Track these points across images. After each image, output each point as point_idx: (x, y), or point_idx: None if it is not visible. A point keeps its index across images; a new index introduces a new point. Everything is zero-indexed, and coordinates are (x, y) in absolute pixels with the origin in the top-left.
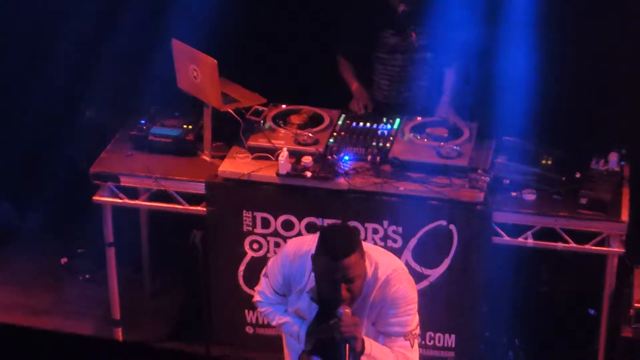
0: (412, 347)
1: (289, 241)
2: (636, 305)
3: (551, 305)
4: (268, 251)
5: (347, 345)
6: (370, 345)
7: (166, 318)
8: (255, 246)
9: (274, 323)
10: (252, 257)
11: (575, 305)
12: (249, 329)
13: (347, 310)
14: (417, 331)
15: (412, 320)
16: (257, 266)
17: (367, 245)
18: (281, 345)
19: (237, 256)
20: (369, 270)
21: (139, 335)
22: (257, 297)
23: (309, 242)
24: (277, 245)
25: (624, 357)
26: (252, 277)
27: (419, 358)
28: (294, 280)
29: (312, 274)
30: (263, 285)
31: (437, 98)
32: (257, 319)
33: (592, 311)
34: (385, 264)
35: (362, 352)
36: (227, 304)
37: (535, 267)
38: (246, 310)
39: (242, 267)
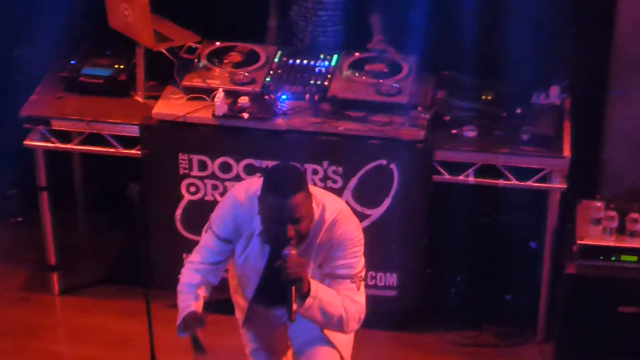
0: (358, 289)
1: (235, 185)
2: (579, 242)
3: (494, 241)
4: (205, 194)
5: (293, 287)
6: (317, 288)
7: (103, 261)
8: (192, 189)
9: (178, 286)
10: (190, 201)
11: (518, 240)
12: None
13: (293, 252)
14: (363, 274)
15: (359, 263)
16: (195, 209)
17: (313, 188)
18: (217, 288)
19: (174, 200)
20: (316, 212)
21: (76, 280)
22: (191, 256)
23: (256, 184)
24: (214, 188)
25: (568, 293)
26: (190, 221)
27: (365, 300)
28: (243, 224)
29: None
30: (204, 240)
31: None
32: None
33: (533, 245)
34: (332, 206)
35: (307, 293)
36: (165, 248)
37: (477, 205)
38: (184, 254)
39: (179, 211)
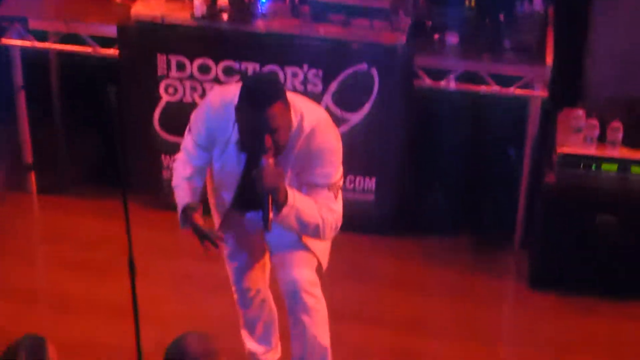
0: (335, 198)
1: (212, 90)
2: (559, 150)
3: (474, 146)
4: (184, 95)
5: (270, 196)
6: (294, 196)
7: (81, 162)
8: (171, 90)
9: (173, 181)
10: (168, 102)
11: (498, 147)
12: (166, 173)
13: (270, 161)
14: (341, 183)
15: (336, 172)
16: (173, 111)
17: (291, 96)
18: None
19: (152, 101)
20: (294, 121)
21: (54, 179)
22: (178, 155)
23: (233, 91)
24: (193, 89)
25: (546, 201)
26: (168, 122)
27: (341, 209)
28: (219, 131)
29: (236, 126)
30: (186, 140)
31: None
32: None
33: (511, 151)
34: (311, 115)
35: (284, 202)
36: (144, 150)
37: (458, 112)
38: (162, 155)
39: (157, 112)
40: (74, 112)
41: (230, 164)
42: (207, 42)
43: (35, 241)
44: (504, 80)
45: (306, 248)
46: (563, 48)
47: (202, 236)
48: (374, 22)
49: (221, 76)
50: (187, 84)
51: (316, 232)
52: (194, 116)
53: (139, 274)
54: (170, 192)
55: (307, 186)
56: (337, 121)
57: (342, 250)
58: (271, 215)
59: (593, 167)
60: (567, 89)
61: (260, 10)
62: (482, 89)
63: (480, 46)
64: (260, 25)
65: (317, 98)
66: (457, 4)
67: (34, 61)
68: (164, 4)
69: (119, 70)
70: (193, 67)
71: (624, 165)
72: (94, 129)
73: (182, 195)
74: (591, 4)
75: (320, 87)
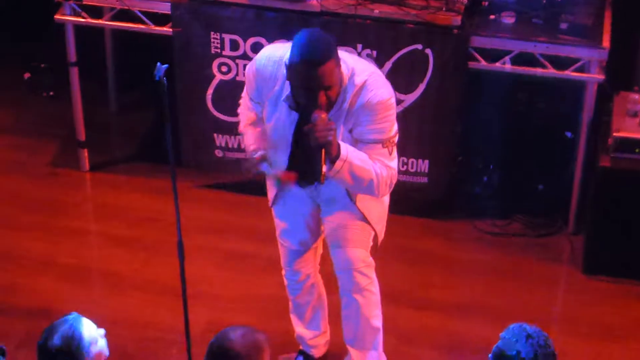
0: (390, 154)
1: (263, 48)
2: (615, 134)
3: (528, 129)
4: (237, 74)
5: (323, 149)
6: (347, 150)
7: (133, 140)
8: (224, 69)
9: (240, 127)
10: (221, 80)
11: (553, 130)
12: (219, 152)
13: (323, 115)
14: (396, 139)
15: (391, 127)
16: (226, 89)
17: (343, 53)
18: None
19: (205, 79)
20: (345, 77)
21: (106, 156)
22: (240, 100)
23: (283, 48)
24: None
25: (601, 185)
26: (221, 101)
27: (397, 165)
28: (266, 87)
29: (287, 82)
30: (244, 92)
31: None
32: (226, 142)
33: (569, 134)
34: (362, 70)
35: (337, 156)
36: (196, 128)
37: (513, 94)
38: (215, 134)
39: (210, 91)
40: (128, 89)
41: (282, 121)
42: (260, 21)
43: (87, 219)
44: (560, 63)
45: (362, 217)
46: (620, 30)
47: (273, 178)
48: (430, 2)
49: None
50: (240, 63)
51: (370, 188)
52: (246, 72)
53: (188, 253)
54: (222, 169)
55: (361, 143)
56: None
57: (394, 232)
58: (324, 168)
59: None
60: (624, 72)
61: None
62: (538, 71)
63: (536, 27)
64: (314, 4)
65: None
66: None
67: (88, 37)
68: None
69: (173, 47)
70: (246, 46)
71: None
72: (148, 107)
73: (248, 141)
74: None
75: None
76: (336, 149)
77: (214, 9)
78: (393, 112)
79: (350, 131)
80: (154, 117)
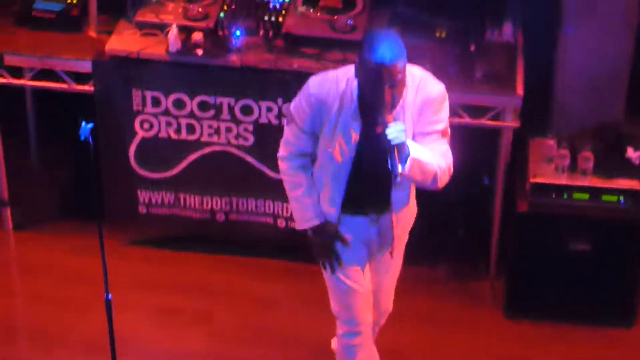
0: (447, 143)
1: (306, 83)
2: (531, 180)
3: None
4: (159, 131)
5: (396, 150)
6: (414, 148)
7: (57, 197)
8: (146, 126)
9: (290, 193)
10: (143, 137)
11: (470, 177)
12: (142, 209)
13: (391, 117)
14: (448, 127)
15: (447, 116)
16: (148, 146)
17: None
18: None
19: (127, 136)
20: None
21: (29, 215)
22: (281, 151)
23: (328, 73)
24: (168, 124)
25: (520, 230)
26: (144, 158)
27: (451, 152)
28: (325, 108)
29: (348, 97)
30: (287, 134)
31: None
32: (149, 199)
33: (486, 180)
34: (413, 68)
35: (408, 154)
36: (119, 185)
37: None
38: (138, 191)
39: (133, 148)
40: (50, 148)
41: (346, 135)
42: (182, 77)
43: (12, 277)
44: (476, 111)
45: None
46: (533, 77)
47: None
48: (348, 55)
49: (196, 111)
50: (163, 119)
51: (434, 181)
52: (296, 104)
53: (117, 308)
54: (146, 225)
55: (420, 135)
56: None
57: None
58: (399, 168)
59: (565, 196)
60: (539, 117)
61: (234, 45)
62: (454, 120)
63: (451, 76)
64: (234, 59)
65: None
66: (428, 34)
67: (9, 97)
68: (138, 39)
69: (95, 105)
70: (168, 102)
71: (596, 193)
72: (70, 164)
73: (306, 211)
74: (559, 32)
75: None
76: (407, 148)
77: (135, 67)
78: (447, 102)
79: (408, 127)
80: (77, 174)
